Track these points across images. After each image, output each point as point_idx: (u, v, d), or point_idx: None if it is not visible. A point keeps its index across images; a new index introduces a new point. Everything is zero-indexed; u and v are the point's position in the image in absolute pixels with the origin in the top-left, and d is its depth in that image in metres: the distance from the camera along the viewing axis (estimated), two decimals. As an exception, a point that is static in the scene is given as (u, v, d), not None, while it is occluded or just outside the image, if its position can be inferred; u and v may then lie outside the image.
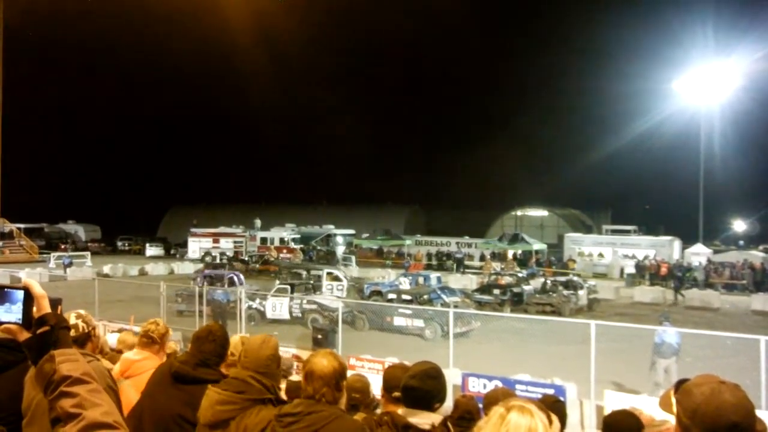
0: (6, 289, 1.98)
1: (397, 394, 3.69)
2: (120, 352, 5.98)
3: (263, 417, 2.98)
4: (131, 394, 4.06)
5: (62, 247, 59.27)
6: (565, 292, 28.64)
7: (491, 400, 4.02)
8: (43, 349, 1.90)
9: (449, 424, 3.63)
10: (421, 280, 29.91)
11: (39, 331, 1.94)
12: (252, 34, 66.72)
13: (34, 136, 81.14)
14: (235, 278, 28.79)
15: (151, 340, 4.83)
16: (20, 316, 1.96)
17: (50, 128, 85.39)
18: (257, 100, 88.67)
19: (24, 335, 1.96)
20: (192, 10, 62.67)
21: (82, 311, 4.45)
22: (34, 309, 1.98)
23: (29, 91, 70.62)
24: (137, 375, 4.48)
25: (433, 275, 32.03)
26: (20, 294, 1.97)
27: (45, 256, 50.51)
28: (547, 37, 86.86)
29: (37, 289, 2.00)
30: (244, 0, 55.28)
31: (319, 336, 18.24)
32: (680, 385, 2.24)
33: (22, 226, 58.53)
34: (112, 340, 7.78)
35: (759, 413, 2.25)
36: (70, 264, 42.95)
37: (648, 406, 6.09)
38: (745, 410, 2.04)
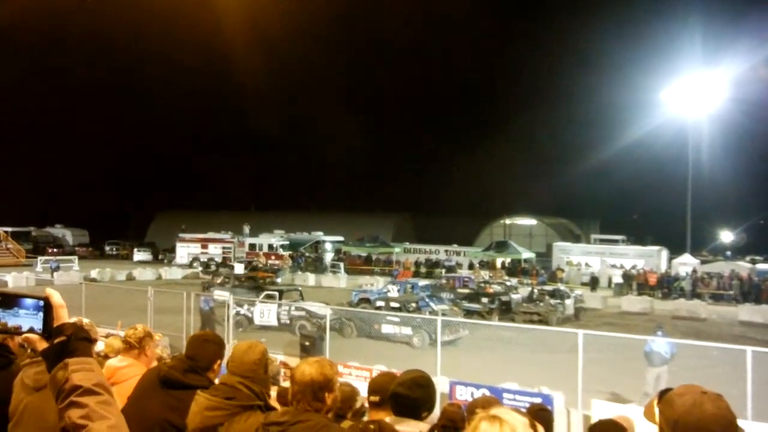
0: (22, 298, 2.00)
1: (374, 398, 3.69)
2: (107, 357, 5.96)
3: (251, 423, 2.97)
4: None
5: (49, 251, 58.92)
6: (552, 302, 28.74)
7: (472, 408, 4.05)
8: (60, 358, 1.90)
9: (434, 433, 3.64)
10: (409, 287, 29.89)
11: (56, 341, 1.94)
12: (244, 41, 66.69)
13: (23, 139, 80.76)
14: None
15: (129, 346, 4.89)
16: (39, 325, 1.98)
17: (39, 131, 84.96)
18: (247, 106, 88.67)
19: (43, 345, 1.97)
20: (184, 14, 62.60)
21: (86, 320, 4.44)
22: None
23: (18, 93, 70.29)
24: (122, 382, 4.47)
25: (422, 282, 31.97)
26: (33, 302, 1.99)
27: (32, 260, 50.06)
28: (536, 50, 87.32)
29: (57, 299, 2.01)
30: (238, 4, 55.18)
31: (307, 343, 18.14)
32: (664, 394, 2.23)
33: (9, 229, 58.12)
34: (99, 345, 7.74)
35: (746, 424, 2.28)
36: (57, 268, 42.71)
37: (635, 416, 6.09)
38: (725, 421, 2.04)
